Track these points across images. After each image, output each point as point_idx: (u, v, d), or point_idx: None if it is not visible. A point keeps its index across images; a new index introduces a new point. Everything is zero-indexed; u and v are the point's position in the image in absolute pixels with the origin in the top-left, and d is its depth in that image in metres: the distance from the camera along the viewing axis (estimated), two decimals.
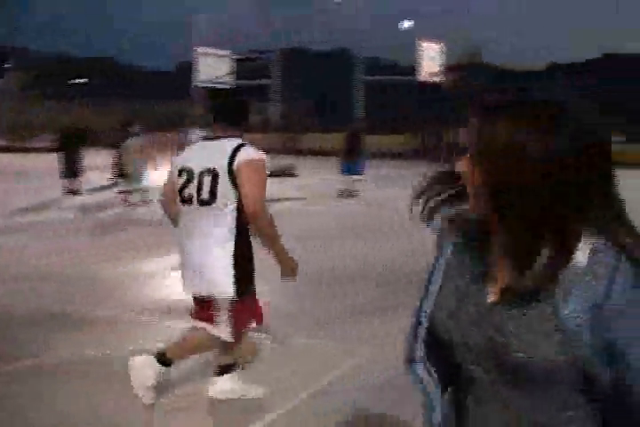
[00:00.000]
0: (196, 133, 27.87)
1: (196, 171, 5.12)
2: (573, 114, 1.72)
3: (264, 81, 32.54)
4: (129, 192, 20.45)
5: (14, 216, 16.55)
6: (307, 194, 22.89)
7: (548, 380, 1.82)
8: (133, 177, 19.56)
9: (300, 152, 40.12)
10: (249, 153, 5.09)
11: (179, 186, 5.22)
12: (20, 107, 55.21)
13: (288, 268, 5.29)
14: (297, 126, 47.82)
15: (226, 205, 5.05)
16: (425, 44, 30.92)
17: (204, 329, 5.32)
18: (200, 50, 30.04)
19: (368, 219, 17.52)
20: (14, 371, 6.24)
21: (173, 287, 9.51)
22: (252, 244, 5.22)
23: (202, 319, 5.34)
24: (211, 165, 5.06)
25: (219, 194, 5.04)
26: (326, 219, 17.15)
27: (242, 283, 5.17)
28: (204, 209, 5.10)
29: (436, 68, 31.38)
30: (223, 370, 5.57)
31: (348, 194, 22.41)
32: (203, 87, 31.85)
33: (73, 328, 7.58)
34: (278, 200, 20.49)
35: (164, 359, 5.33)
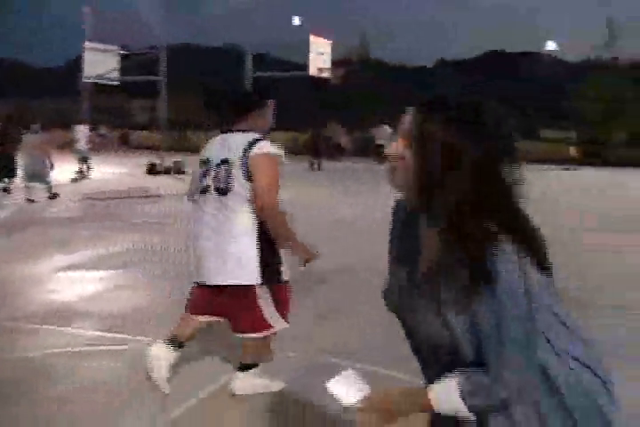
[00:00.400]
0: (82, 130, 27.41)
1: (214, 161, 5.31)
2: (497, 119, 2.09)
3: (152, 77, 32.04)
4: (7, 190, 20.08)
5: None
6: None
7: (436, 354, 2.22)
8: (33, 175, 19.22)
9: (190, 149, 39.79)
10: (264, 147, 5.22)
11: (198, 176, 5.44)
12: None
13: (306, 256, 5.39)
14: (186, 123, 47.41)
15: (241, 195, 5.17)
16: (315, 40, 30.93)
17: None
18: (88, 45, 29.43)
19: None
20: None
21: (60, 292, 9.30)
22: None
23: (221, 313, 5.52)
24: (227, 156, 5.22)
25: (234, 184, 5.18)
26: None
27: (269, 270, 5.28)
28: (221, 198, 5.25)
29: (326, 64, 31.42)
30: (245, 366, 5.67)
31: None
32: (91, 83, 31.29)
33: None
34: (159, 196, 20.31)
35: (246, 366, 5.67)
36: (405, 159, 2.10)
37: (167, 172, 28.53)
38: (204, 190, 5.34)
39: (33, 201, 18.64)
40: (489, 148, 2.04)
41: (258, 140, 5.24)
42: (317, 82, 36.72)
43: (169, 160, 29.64)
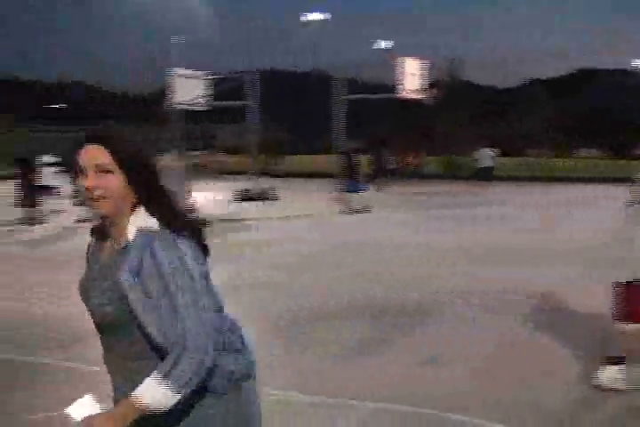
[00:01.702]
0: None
1: None
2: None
3: (241, 102, 31.74)
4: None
5: None
6: (292, 215, 22.04)
7: (111, 330, 2.65)
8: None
9: (279, 175, 39.42)
10: None
11: None
12: None
13: None
14: (275, 148, 47.11)
15: None
16: (405, 62, 30.35)
17: None
18: (176, 71, 29.26)
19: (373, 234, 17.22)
20: None
21: None
22: None
23: None
24: None
25: None
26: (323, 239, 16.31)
27: None
28: None
29: (417, 85, 30.80)
30: (613, 360, 5.89)
31: (360, 210, 22.71)
32: (179, 109, 31.11)
33: None
34: (249, 223, 19.68)
35: None
36: (106, 185, 2.61)
37: (257, 198, 27.98)
38: None
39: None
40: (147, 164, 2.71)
41: None
42: (409, 103, 36.11)
43: (259, 186, 29.14)
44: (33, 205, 20.25)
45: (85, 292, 2.73)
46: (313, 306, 9.75)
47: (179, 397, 2.47)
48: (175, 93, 29.29)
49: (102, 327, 2.70)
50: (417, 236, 16.97)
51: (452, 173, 40.89)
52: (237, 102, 32.49)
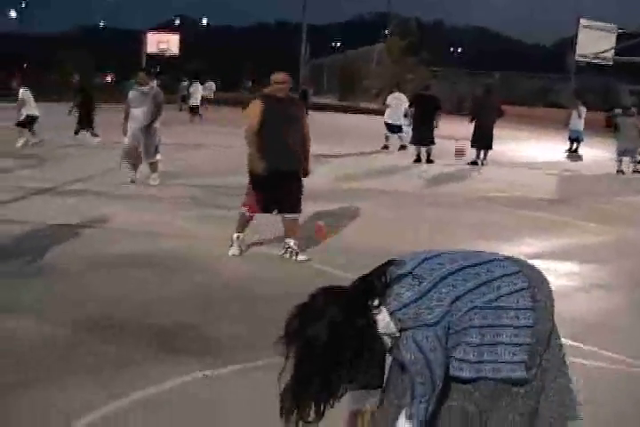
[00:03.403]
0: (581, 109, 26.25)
1: None
2: None
3: None
4: None
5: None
6: None
7: None
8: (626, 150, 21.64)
9: None
10: None
11: None
12: (394, 71, 55.40)
13: None
14: None
15: None
16: None
17: None
18: (583, 22, 28.37)
19: None
20: None
21: None
22: None
23: None
24: None
25: None
26: None
27: None
28: None
29: None
30: None
31: None
32: (580, 62, 30.31)
33: None
34: None
35: None
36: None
37: None
38: None
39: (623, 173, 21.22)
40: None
41: None
42: None
43: None
44: None
45: None
46: None
47: None
48: (579, 45, 28.46)
49: None
50: None
51: None
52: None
